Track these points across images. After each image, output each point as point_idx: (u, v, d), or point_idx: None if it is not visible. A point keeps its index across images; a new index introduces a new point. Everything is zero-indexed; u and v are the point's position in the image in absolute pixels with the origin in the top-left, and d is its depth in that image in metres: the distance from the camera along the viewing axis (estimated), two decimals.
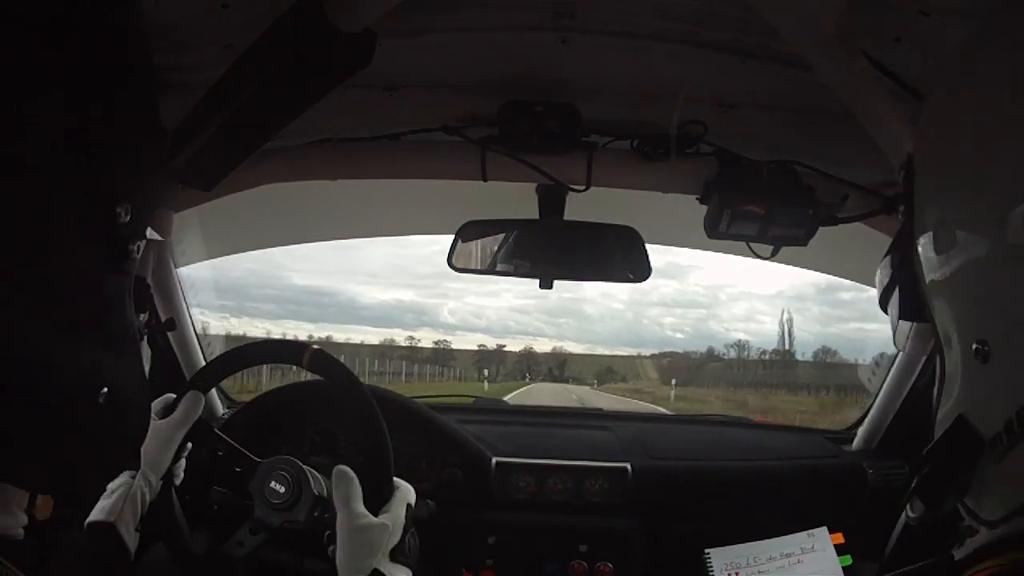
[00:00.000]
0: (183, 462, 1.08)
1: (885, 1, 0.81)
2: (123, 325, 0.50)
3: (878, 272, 0.70)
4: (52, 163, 0.42)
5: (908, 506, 1.14)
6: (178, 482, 1.08)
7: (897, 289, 0.66)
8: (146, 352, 1.30)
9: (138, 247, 0.49)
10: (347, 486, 0.91)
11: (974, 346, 0.51)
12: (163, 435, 1.03)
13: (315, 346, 1.12)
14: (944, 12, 0.77)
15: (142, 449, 0.99)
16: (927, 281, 0.58)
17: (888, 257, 0.68)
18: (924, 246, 0.58)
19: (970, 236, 0.53)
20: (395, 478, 0.99)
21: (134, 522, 0.96)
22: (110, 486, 0.98)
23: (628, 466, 1.44)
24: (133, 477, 0.99)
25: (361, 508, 0.90)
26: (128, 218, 0.47)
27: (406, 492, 0.97)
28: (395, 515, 0.92)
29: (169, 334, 1.44)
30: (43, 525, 0.55)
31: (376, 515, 0.91)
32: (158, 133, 0.54)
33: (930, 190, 0.59)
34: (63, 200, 0.43)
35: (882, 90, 0.85)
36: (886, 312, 0.69)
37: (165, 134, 0.62)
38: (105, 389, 0.47)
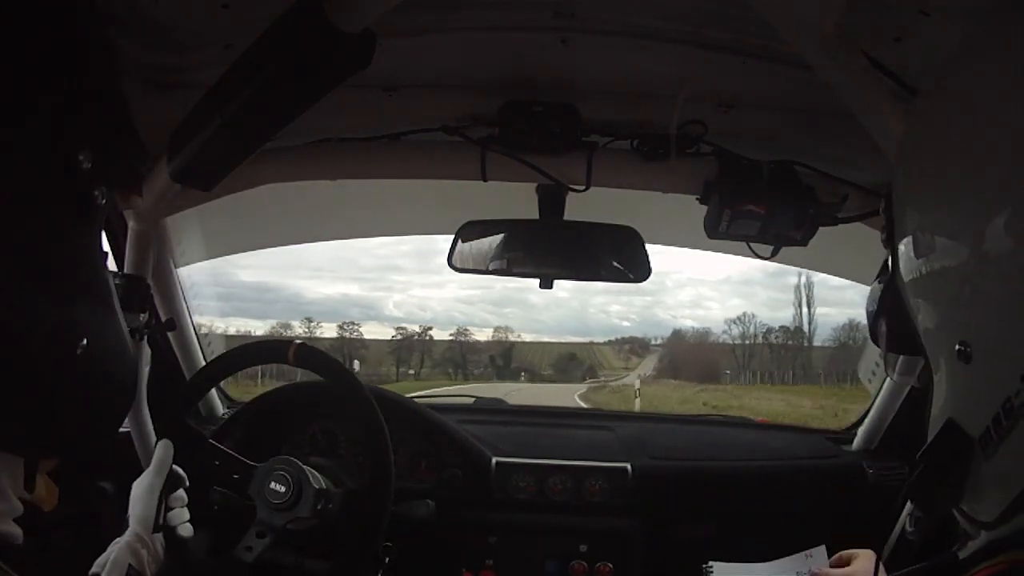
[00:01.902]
0: (183, 512, 1.06)
1: (885, 1, 0.81)
2: (96, 277, 0.50)
3: (867, 300, 0.70)
4: (10, 111, 0.42)
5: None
6: (186, 534, 1.05)
7: (884, 321, 0.66)
8: (146, 352, 1.30)
9: (102, 194, 0.48)
10: None
11: (956, 347, 0.51)
12: (141, 487, 1.02)
13: (298, 341, 1.12)
14: (944, 12, 0.77)
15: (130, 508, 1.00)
16: (907, 282, 0.58)
17: (876, 284, 0.68)
18: (905, 249, 0.58)
19: (949, 237, 0.53)
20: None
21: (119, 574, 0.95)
22: (110, 546, 0.98)
23: (628, 466, 1.44)
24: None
25: None
26: (90, 165, 0.47)
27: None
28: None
29: (169, 334, 1.44)
30: (46, 519, 0.54)
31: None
32: (115, 80, 0.54)
33: (914, 189, 0.59)
34: (23, 147, 0.43)
35: (882, 90, 0.85)
36: (877, 344, 0.69)
37: (122, 82, 0.61)
38: (84, 342, 0.47)
